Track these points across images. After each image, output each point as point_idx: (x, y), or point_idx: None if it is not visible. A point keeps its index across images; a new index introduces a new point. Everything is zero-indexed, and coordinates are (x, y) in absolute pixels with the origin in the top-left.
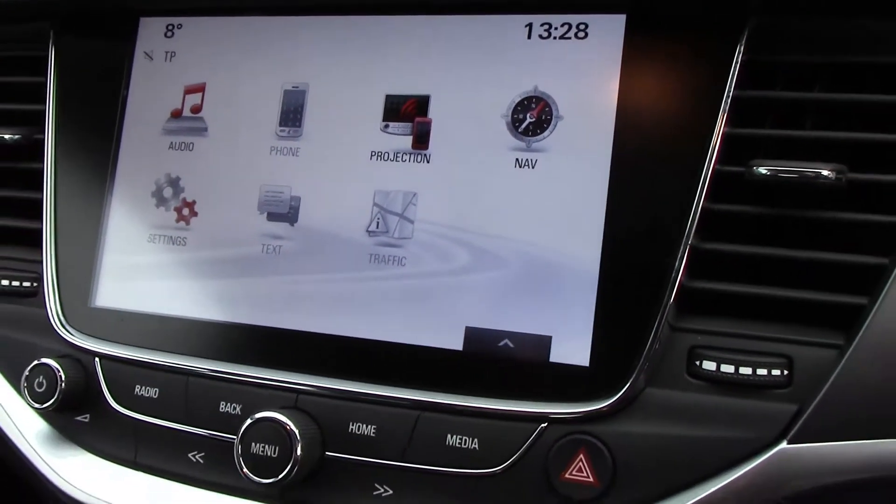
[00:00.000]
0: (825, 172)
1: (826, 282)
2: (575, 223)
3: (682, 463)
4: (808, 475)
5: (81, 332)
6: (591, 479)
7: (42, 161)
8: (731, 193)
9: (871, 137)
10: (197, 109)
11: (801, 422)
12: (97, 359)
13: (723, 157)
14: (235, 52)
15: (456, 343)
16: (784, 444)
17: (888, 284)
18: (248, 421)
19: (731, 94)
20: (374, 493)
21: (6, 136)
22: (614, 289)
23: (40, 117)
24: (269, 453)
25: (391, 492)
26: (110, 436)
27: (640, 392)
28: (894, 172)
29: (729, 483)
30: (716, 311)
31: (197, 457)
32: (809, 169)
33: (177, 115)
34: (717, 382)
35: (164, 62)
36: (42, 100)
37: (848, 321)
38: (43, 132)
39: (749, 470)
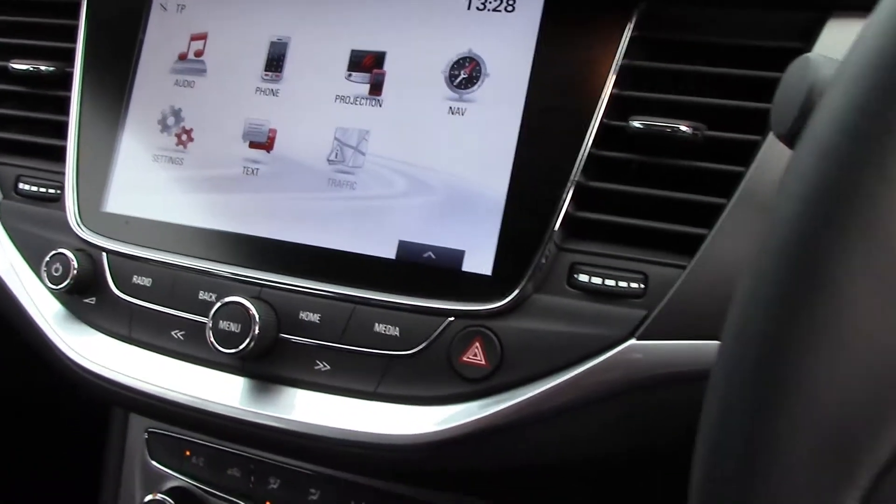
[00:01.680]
0: (683, 128)
1: (680, 216)
2: (490, 160)
3: (556, 352)
4: (651, 366)
5: (93, 232)
6: (483, 362)
7: (70, 90)
8: (618, 143)
9: (724, 103)
10: (199, 54)
11: (646, 323)
12: (104, 253)
13: (610, 114)
14: (234, 8)
15: (390, 253)
16: (633, 341)
17: (721, 219)
18: (219, 304)
19: (619, 63)
20: (315, 367)
21: (42, 68)
22: (515, 215)
23: (71, 54)
24: (233, 329)
25: (328, 367)
26: (110, 316)
27: (528, 297)
28: (741, 132)
29: (590, 367)
30: (594, 237)
31: (178, 334)
32: (672, 125)
33: (182, 57)
34: (589, 291)
35: (175, 13)
36: (73, 39)
37: (692, 247)
38: (72, 66)
39: (606, 358)
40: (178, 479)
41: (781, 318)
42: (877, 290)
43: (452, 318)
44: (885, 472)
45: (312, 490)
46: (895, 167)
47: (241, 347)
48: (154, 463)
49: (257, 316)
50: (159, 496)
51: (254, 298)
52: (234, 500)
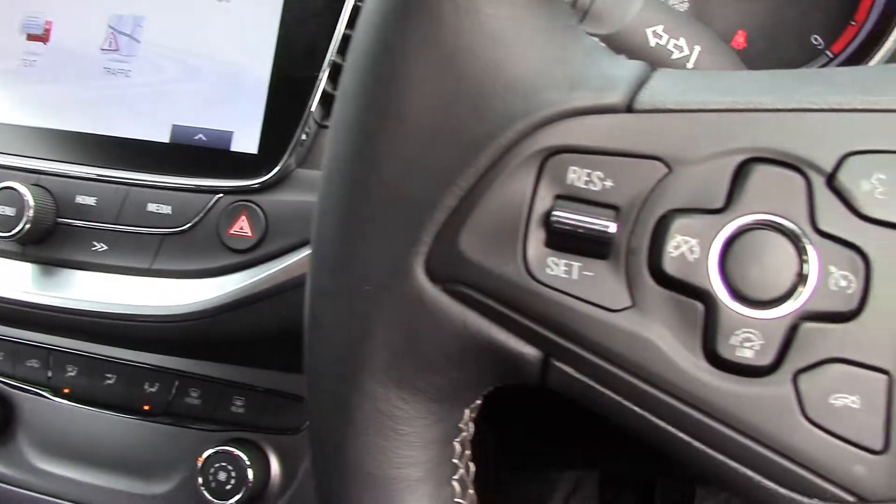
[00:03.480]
0: None
1: None
2: (255, 45)
3: None
4: None
5: None
6: (249, 234)
7: None
8: None
9: None
10: None
11: None
12: None
13: None
14: None
15: (164, 136)
16: None
17: None
18: None
19: None
20: (93, 248)
21: None
22: (279, 96)
23: None
24: (8, 213)
25: (106, 248)
26: None
27: (290, 172)
28: None
29: None
30: None
31: None
32: None
33: None
34: None
35: None
36: None
37: None
38: None
39: None
40: None
41: (360, 103)
42: (428, 75)
43: (221, 195)
44: (441, 231)
45: (108, 375)
46: None
47: (15, 231)
48: None
49: (30, 200)
50: None
51: (31, 185)
52: (35, 390)
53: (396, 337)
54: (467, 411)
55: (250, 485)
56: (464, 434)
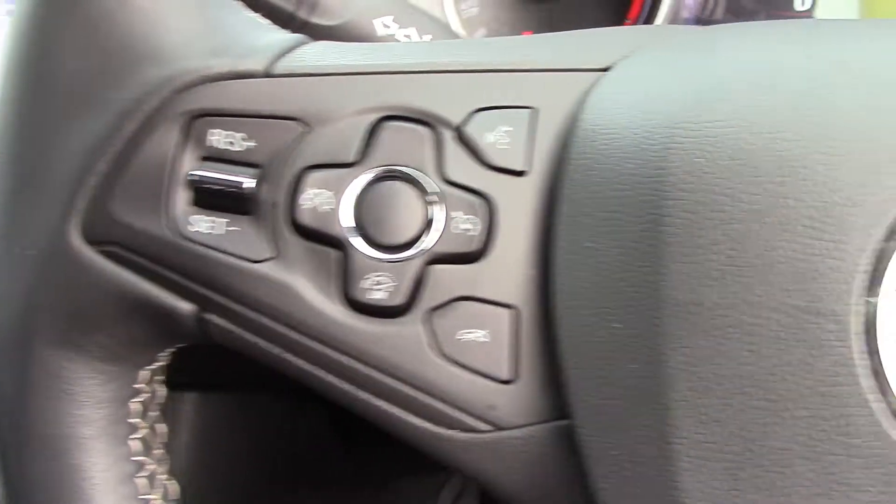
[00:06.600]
0: None
1: None
2: None
3: None
4: None
5: None
6: None
7: None
8: None
9: None
10: None
11: None
12: None
13: None
14: None
15: None
16: None
17: None
18: None
19: None
20: None
21: None
22: None
23: None
24: None
25: None
26: None
27: None
28: None
29: None
30: None
31: None
32: None
33: None
34: None
35: None
36: None
37: None
38: None
39: None
40: None
41: (13, 77)
42: (75, 46)
43: None
44: (94, 195)
45: None
46: None
47: None
48: None
49: None
50: None
51: None
52: None
53: (57, 298)
54: (143, 372)
55: None
56: (145, 395)
